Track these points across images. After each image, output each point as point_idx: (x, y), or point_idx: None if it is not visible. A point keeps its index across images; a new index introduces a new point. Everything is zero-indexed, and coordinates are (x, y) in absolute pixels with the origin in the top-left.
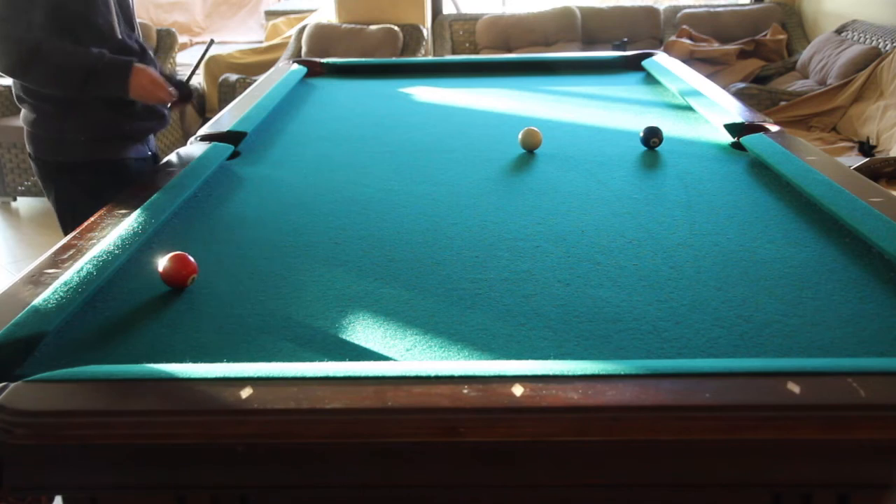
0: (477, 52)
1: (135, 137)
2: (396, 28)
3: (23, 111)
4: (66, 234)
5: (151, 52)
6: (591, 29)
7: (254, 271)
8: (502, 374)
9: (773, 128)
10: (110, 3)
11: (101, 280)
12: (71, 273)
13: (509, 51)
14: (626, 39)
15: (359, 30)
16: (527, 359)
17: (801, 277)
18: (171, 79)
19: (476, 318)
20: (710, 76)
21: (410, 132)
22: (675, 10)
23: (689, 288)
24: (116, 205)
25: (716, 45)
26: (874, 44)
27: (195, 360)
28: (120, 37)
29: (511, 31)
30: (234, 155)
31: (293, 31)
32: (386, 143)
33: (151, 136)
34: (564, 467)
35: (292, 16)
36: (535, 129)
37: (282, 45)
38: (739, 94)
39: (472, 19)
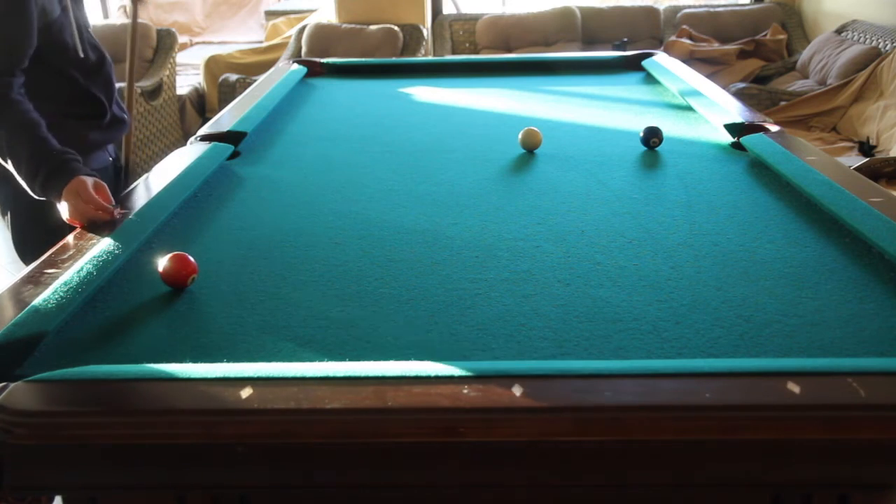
0: (477, 52)
1: (97, 145)
2: (396, 28)
3: None
4: (21, 256)
5: (108, 55)
6: (591, 29)
7: (254, 271)
8: (502, 373)
9: (773, 128)
10: (71, 18)
11: (101, 280)
12: (71, 273)
13: (509, 51)
14: (626, 39)
15: (359, 30)
16: (527, 359)
17: (801, 277)
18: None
19: (476, 318)
20: (710, 76)
21: (410, 132)
22: (675, 10)
23: (689, 288)
24: (117, 205)
25: (716, 45)
26: (874, 44)
27: (195, 360)
28: (83, 55)
29: (511, 31)
30: (234, 155)
31: (293, 31)
32: (386, 143)
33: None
34: (564, 467)
35: (292, 16)
36: (535, 129)
37: (282, 45)
38: (739, 94)
39: (472, 19)
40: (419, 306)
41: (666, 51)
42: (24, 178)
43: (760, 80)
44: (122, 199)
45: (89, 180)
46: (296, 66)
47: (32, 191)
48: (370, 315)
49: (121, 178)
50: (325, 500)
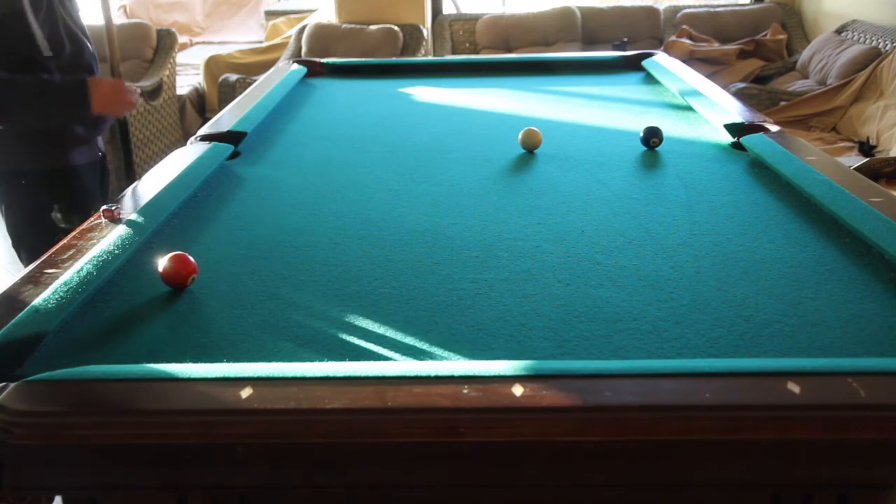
0: (477, 52)
1: (84, 139)
2: (396, 28)
3: None
4: (17, 250)
5: (90, 46)
6: (591, 29)
7: (254, 271)
8: (502, 374)
9: (773, 128)
10: (26, 8)
11: (101, 280)
12: (71, 273)
13: (509, 51)
14: (626, 39)
15: (359, 30)
16: (527, 359)
17: (801, 277)
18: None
19: (476, 318)
20: (710, 76)
21: (410, 132)
22: (675, 10)
23: (689, 288)
24: (117, 205)
25: (716, 45)
26: (874, 44)
27: (195, 360)
28: (48, 45)
29: (511, 31)
30: (234, 155)
31: (293, 31)
32: (386, 143)
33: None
34: (564, 467)
35: (292, 16)
36: (535, 129)
37: (282, 45)
38: (739, 94)
39: (472, 19)
40: (419, 306)
41: (666, 51)
42: (36, 118)
43: (760, 80)
44: (123, 199)
45: (106, 80)
46: (296, 66)
47: (49, 120)
48: (370, 315)
49: (107, 176)
50: (325, 500)
